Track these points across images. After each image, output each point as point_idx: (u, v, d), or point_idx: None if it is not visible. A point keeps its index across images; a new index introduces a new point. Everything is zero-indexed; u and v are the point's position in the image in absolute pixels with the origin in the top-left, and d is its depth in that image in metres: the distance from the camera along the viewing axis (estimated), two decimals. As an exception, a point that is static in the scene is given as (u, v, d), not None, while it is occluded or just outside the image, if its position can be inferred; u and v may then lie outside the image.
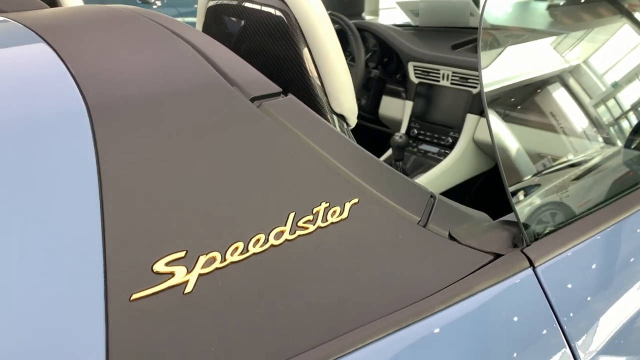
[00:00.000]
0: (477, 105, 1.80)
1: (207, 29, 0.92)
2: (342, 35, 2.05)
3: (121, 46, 0.59)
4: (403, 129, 1.96)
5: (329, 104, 0.76)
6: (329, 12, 2.05)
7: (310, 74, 0.75)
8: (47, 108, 0.48)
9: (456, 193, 1.87)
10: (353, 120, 0.79)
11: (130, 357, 0.40)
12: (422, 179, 1.76)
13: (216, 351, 0.45)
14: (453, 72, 1.83)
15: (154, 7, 4.26)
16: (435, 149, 1.88)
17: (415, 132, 1.94)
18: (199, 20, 0.91)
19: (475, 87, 1.79)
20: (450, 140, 1.84)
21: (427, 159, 1.85)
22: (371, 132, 2.18)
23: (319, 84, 0.75)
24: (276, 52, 0.78)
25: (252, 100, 0.57)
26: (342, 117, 0.78)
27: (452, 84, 1.84)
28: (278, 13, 0.75)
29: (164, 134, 0.50)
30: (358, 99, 2.10)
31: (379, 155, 2.48)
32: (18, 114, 0.47)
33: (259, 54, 0.83)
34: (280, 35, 0.76)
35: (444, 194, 1.81)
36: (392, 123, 2.09)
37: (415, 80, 1.93)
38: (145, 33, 0.62)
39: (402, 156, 1.77)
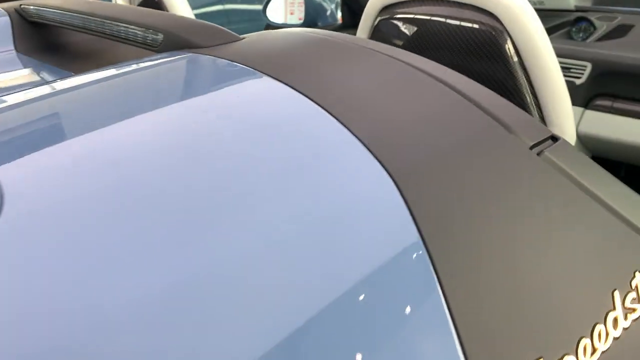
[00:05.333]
0: (581, 96, 1.68)
1: None
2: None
3: (371, 87, 0.50)
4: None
5: (548, 132, 0.67)
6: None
7: (526, 96, 0.66)
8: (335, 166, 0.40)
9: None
10: None
11: None
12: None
13: None
14: (553, 62, 1.71)
15: None
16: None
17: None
18: (362, 36, 0.82)
19: (578, 77, 1.68)
20: (550, 135, 1.73)
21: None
22: None
23: (535, 107, 0.66)
24: (480, 73, 0.69)
25: (531, 148, 0.49)
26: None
27: (551, 73, 1.73)
28: (484, 28, 0.66)
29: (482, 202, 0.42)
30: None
31: None
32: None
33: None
34: (487, 54, 0.67)
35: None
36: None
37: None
38: (385, 69, 0.53)
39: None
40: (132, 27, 0.69)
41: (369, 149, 0.41)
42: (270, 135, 0.42)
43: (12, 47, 0.93)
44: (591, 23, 1.79)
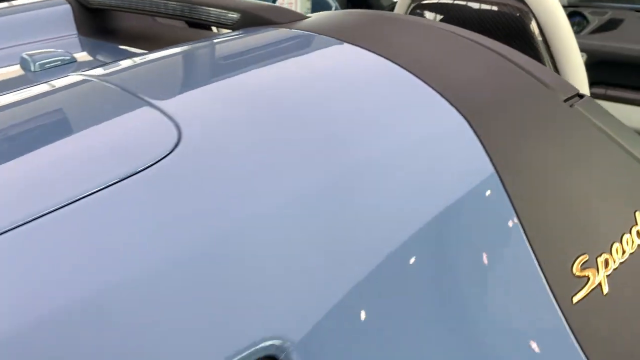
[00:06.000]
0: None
1: None
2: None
3: (434, 50, 0.61)
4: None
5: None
6: None
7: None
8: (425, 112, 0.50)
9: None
10: None
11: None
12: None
13: None
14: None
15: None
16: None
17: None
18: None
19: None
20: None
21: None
22: None
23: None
24: None
25: (565, 101, 0.60)
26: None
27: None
28: (510, 10, 0.77)
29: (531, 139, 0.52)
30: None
31: None
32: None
33: None
34: (513, 33, 0.78)
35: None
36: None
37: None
38: (440, 37, 0.63)
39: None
40: (204, 7, 0.78)
41: (444, 97, 0.52)
42: (365, 88, 0.53)
43: (75, 32, 1.01)
44: (584, 17, 1.92)
